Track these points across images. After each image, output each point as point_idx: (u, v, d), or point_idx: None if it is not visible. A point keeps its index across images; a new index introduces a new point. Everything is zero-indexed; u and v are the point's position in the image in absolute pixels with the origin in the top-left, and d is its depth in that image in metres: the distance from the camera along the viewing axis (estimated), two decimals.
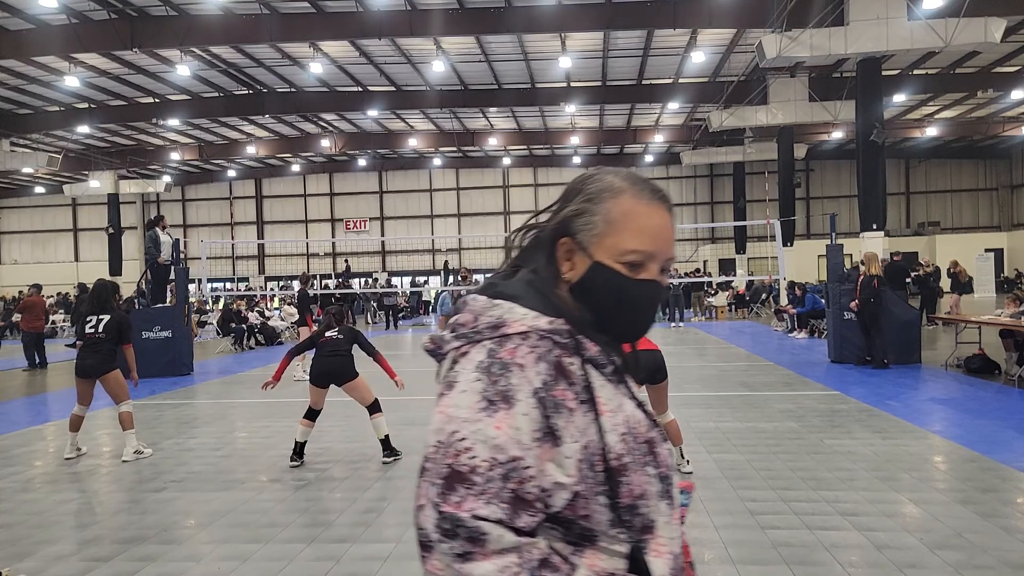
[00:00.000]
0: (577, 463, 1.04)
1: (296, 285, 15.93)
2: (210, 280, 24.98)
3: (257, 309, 22.18)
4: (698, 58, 21.22)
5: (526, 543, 0.99)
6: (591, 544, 1.06)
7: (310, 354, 6.77)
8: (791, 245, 25.98)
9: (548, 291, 1.14)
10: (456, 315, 1.15)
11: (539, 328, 1.07)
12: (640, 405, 1.17)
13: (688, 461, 5.76)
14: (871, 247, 13.97)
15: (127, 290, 22.49)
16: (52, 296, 29.87)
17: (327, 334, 6.59)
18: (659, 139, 31.61)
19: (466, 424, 1.01)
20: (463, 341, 1.10)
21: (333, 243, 39.77)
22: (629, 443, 1.08)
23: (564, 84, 24.54)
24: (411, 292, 31.09)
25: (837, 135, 28.97)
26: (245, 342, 18.76)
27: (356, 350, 6.60)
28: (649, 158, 36.69)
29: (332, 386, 6.56)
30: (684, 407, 8.23)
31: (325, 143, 31.43)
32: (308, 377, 6.94)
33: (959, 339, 11.45)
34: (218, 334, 19.62)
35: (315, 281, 12.94)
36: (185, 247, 25.44)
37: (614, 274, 1.14)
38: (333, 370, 6.45)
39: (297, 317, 13.79)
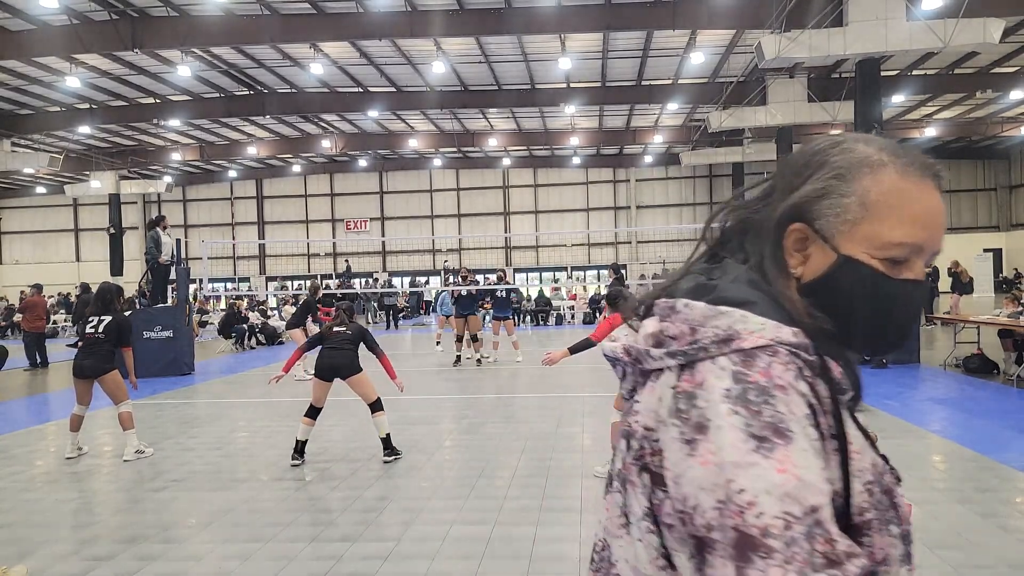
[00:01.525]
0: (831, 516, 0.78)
1: (294, 285, 15.92)
2: (211, 280, 25.01)
3: (259, 308, 22.22)
4: (697, 59, 21.22)
5: None
6: None
7: (313, 354, 6.81)
8: None
9: (781, 294, 0.89)
10: (660, 324, 0.89)
11: (786, 341, 0.82)
12: (874, 445, 0.91)
13: None
14: None
15: (128, 290, 22.49)
16: (53, 296, 29.90)
17: (334, 329, 6.63)
18: (658, 140, 31.61)
19: (739, 470, 0.74)
20: (681, 359, 0.83)
21: (334, 243, 39.77)
22: (875, 495, 0.84)
23: (564, 85, 24.54)
24: (411, 292, 31.12)
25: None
26: (246, 342, 18.80)
27: (362, 348, 6.64)
28: (648, 158, 36.73)
29: (334, 387, 6.59)
30: None
31: (326, 144, 31.43)
32: (310, 375, 6.96)
33: (957, 339, 11.48)
34: (219, 334, 19.65)
35: (322, 292, 12.90)
36: (186, 247, 25.46)
37: (871, 273, 0.89)
38: (337, 364, 6.48)
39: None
